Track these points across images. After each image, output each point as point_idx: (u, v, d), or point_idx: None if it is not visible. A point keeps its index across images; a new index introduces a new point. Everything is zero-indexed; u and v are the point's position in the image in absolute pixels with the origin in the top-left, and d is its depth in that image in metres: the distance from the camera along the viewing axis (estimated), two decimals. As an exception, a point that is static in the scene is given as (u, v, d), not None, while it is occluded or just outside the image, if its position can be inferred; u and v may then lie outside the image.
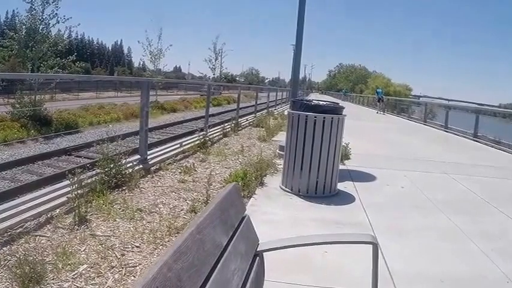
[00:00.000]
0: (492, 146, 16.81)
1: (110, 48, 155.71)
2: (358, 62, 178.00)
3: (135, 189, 6.41)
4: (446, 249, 4.92)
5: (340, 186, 7.09)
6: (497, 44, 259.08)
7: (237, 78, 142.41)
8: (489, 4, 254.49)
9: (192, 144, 10.26)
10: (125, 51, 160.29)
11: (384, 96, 39.17)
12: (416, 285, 3.93)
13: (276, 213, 5.62)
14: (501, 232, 5.75)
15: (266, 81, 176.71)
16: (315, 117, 6.35)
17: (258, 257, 2.16)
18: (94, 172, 6.37)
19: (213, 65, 57.86)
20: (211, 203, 1.91)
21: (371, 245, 2.35)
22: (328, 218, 5.64)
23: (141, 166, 7.42)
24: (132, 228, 4.88)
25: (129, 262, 4.09)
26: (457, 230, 5.61)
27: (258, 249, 2.20)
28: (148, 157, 8.03)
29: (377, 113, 35.78)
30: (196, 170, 7.93)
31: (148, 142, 9.01)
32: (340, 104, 7.21)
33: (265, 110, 25.00)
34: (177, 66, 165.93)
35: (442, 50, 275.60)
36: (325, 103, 7.07)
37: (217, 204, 1.88)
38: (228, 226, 1.93)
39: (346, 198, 6.60)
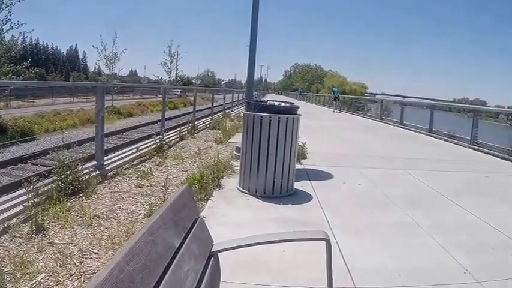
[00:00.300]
0: (447, 140, 17.17)
1: (65, 53, 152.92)
2: (314, 61, 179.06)
3: (92, 195, 6.34)
4: (403, 244, 5.03)
5: (297, 185, 7.14)
6: (452, 42, 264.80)
7: (194, 81, 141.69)
8: (445, 2, 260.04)
9: (149, 148, 10.19)
10: (80, 56, 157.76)
11: (340, 95, 39.56)
12: (374, 280, 3.98)
13: (233, 215, 5.64)
14: (457, 224, 5.90)
15: (222, 83, 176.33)
16: (270, 117, 6.39)
17: (212, 258, 2.18)
18: (50, 180, 6.28)
19: (169, 68, 57.71)
20: (164, 205, 1.93)
21: (324, 242, 2.36)
22: (286, 217, 5.69)
23: (97, 172, 7.35)
24: (90, 235, 4.84)
25: (88, 269, 4.07)
26: (413, 224, 5.75)
27: (212, 250, 2.21)
28: (105, 163, 7.96)
29: (333, 111, 36.12)
30: (153, 174, 7.89)
31: (105, 147, 8.93)
32: (295, 104, 7.27)
33: (222, 112, 24.97)
34: (133, 70, 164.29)
35: (399, 49, 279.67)
36: (279, 103, 7.13)
37: (170, 207, 1.89)
38: (181, 228, 1.95)
39: (303, 197, 6.65)
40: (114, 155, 9.23)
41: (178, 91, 56.88)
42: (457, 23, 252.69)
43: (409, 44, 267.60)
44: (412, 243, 5.09)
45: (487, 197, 7.58)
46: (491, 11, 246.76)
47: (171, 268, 1.67)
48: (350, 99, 42.74)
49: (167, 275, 1.61)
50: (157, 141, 10.68)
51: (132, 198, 6.44)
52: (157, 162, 9.16)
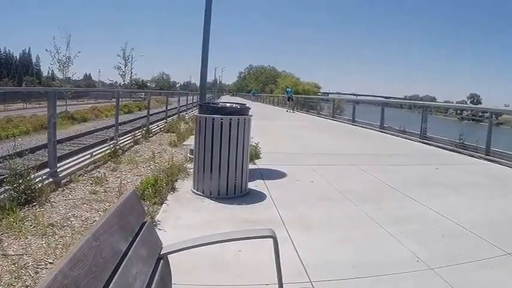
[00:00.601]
0: (398, 136, 17.58)
1: (18, 57, 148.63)
2: (268, 63, 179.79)
3: (46, 204, 6.24)
4: (356, 237, 5.17)
5: (251, 185, 7.22)
6: (405, 41, 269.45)
7: (148, 84, 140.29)
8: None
9: (103, 153, 10.10)
10: (34, 60, 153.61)
11: (293, 95, 39.94)
12: (329, 274, 4.06)
13: (188, 218, 5.65)
14: (408, 215, 6.12)
15: (177, 85, 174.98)
16: (222, 119, 6.44)
17: (162, 260, 2.19)
18: (2, 189, 6.19)
19: (123, 72, 56.86)
20: (109, 210, 1.94)
21: (271, 239, 2.41)
22: (241, 217, 5.75)
23: (51, 180, 7.25)
24: (44, 245, 4.77)
25: (44, 280, 4.05)
26: (366, 217, 5.91)
27: (161, 253, 2.22)
28: (59, 170, 7.85)
29: (287, 111, 36.46)
30: (107, 180, 7.83)
31: (59, 154, 8.83)
32: (246, 105, 7.34)
33: (177, 115, 24.89)
34: (87, 73, 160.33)
35: (354, 50, 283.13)
36: (231, 105, 7.20)
37: (115, 211, 1.91)
38: (128, 232, 1.96)
39: (257, 197, 6.72)
40: (67, 161, 9.10)
41: (142, 94, 56.22)
42: (408, 22, 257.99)
43: (363, 45, 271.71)
44: (365, 235, 5.23)
45: (437, 189, 7.85)
46: (439, 12, 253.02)
47: (118, 272, 1.68)
48: (303, 99, 43.19)
49: (114, 279, 1.62)
50: (111, 146, 10.61)
51: (87, 205, 6.38)
52: (112, 168, 9.09)
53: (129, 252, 1.86)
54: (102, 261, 1.60)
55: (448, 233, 5.42)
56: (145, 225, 2.19)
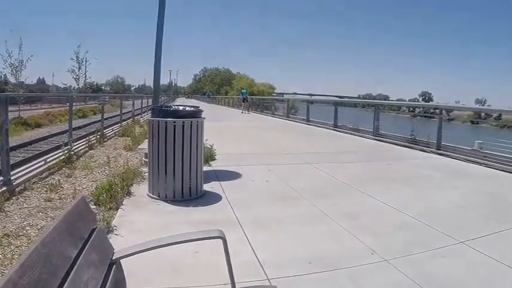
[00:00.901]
0: (352, 134, 17.86)
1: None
2: (224, 65, 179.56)
3: (0, 213, 6.14)
4: (312, 233, 5.27)
5: (207, 187, 7.25)
6: (358, 41, 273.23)
7: (103, 88, 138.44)
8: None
9: (58, 160, 9.95)
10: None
11: (248, 96, 40.09)
12: (286, 271, 4.14)
13: (145, 222, 5.63)
14: (362, 210, 6.30)
15: (132, 88, 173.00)
16: (174, 122, 6.46)
17: (114, 265, 2.19)
18: (-46, 201, 6.10)
19: (77, 75, 55.90)
20: (58, 217, 1.95)
21: (221, 240, 2.46)
22: (197, 219, 5.76)
23: (4, 188, 7.13)
24: (0, 256, 4.69)
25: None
26: (321, 214, 6.04)
27: (113, 258, 2.22)
28: (12, 178, 7.72)
29: (242, 112, 36.61)
30: (62, 187, 7.71)
31: (12, 162, 8.69)
32: (199, 108, 7.37)
33: (131, 119, 24.68)
34: (41, 78, 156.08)
35: (308, 50, 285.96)
36: (184, 108, 7.23)
37: (63, 218, 1.91)
38: (77, 238, 1.96)
39: (213, 198, 6.76)
40: (21, 169, 8.94)
41: (106, 97, 55.35)
42: (361, 22, 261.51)
43: (318, 46, 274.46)
44: (321, 231, 5.34)
45: (390, 183, 8.07)
46: (390, 10, 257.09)
47: (68, 278, 1.68)
48: (258, 100, 43.29)
49: (65, 286, 1.63)
50: (66, 152, 10.47)
51: (42, 213, 6.28)
52: (67, 174, 8.96)
53: (80, 259, 1.86)
54: (52, 268, 1.61)
55: (401, 225, 5.63)
56: (95, 231, 2.18)
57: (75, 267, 1.79)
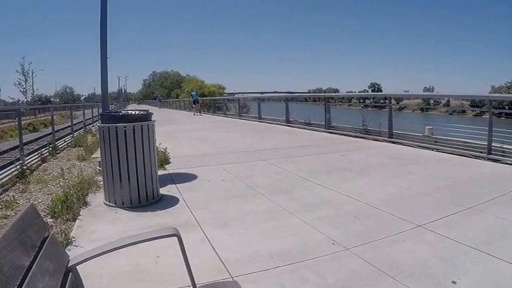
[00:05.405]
0: (304, 128, 18.03)
1: None
2: (173, 68, 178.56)
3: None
4: (272, 228, 5.28)
5: (164, 190, 7.21)
6: (306, 35, 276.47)
7: (52, 99, 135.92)
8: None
9: (10, 175, 9.74)
10: None
11: (199, 98, 40.12)
12: (249, 267, 4.13)
13: (104, 230, 5.54)
14: (320, 202, 6.34)
15: (82, 98, 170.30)
16: (125, 127, 6.36)
17: (71, 273, 2.15)
18: None
19: (24, 88, 54.72)
20: (6, 226, 1.89)
21: (176, 238, 2.45)
22: (156, 223, 5.71)
23: (-46, 211, 6.94)
24: None
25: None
26: (279, 208, 6.08)
27: (69, 265, 2.18)
28: (-37, 197, 7.52)
29: (194, 114, 36.67)
30: (18, 203, 7.47)
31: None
32: (149, 111, 7.28)
33: (83, 128, 24.35)
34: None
35: (257, 49, 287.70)
36: (134, 112, 7.13)
37: (12, 227, 1.86)
38: (29, 246, 1.91)
39: (170, 201, 6.70)
40: (-28, 188, 8.72)
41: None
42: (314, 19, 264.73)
43: (266, 44, 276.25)
44: (280, 226, 5.35)
45: (345, 173, 8.19)
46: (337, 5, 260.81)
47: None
48: (209, 101, 43.27)
49: None
50: (18, 167, 10.23)
51: (-1, 231, 6.13)
52: (21, 189, 8.71)
53: (33, 268, 1.81)
54: (4, 278, 1.56)
55: (360, 214, 5.68)
56: (48, 239, 2.13)
57: (29, 276, 1.74)
